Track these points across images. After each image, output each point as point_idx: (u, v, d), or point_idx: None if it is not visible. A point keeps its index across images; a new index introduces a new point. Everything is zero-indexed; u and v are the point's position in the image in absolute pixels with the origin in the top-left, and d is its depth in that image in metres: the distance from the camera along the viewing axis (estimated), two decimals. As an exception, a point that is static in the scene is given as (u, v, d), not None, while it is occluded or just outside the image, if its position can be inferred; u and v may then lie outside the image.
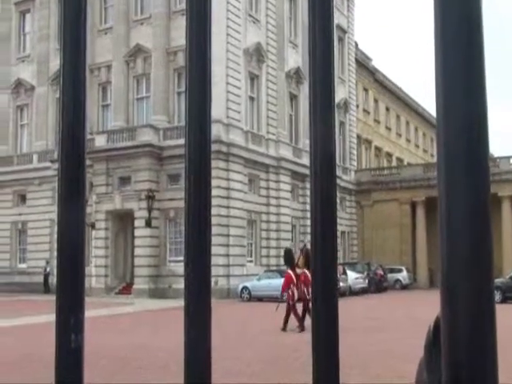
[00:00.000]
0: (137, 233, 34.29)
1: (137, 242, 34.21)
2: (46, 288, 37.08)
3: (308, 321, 16.07)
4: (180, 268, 30.64)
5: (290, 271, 17.58)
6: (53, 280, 35.84)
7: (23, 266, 41.33)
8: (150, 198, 33.57)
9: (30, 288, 38.13)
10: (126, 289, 34.60)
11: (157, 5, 36.49)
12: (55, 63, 38.86)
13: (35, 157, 41.47)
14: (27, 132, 42.98)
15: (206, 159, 0.81)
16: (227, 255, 33.48)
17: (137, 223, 34.36)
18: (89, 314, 21.22)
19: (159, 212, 34.38)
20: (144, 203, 33.81)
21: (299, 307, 17.17)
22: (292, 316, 16.88)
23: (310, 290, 15.21)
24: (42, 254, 39.41)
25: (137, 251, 34.13)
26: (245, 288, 31.89)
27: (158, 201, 34.01)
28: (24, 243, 41.70)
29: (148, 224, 33.74)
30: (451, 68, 0.61)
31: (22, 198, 41.97)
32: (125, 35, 37.82)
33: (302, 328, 16.55)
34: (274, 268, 35.21)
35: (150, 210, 33.61)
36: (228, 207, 33.92)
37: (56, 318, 0.84)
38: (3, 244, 42.20)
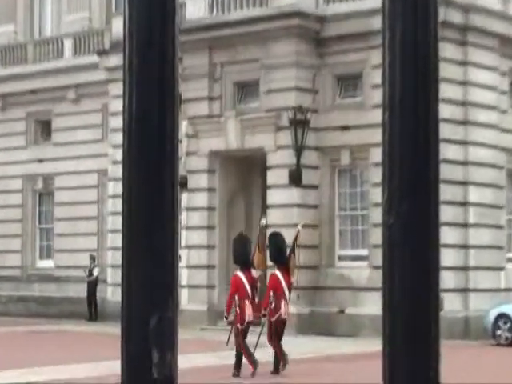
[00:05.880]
0: (271, 197, 30.68)
1: (272, 215, 31.51)
2: (90, 310, 34.41)
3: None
4: (363, 271, 29.15)
5: (238, 273, 19.22)
6: (107, 292, 33.44)
7: (46, 263, 38.57)
8: (300, 124, 29.75)
9: (57, 309, 35.72)
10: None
11: None
12: None
13: (67, 44, 38.34)
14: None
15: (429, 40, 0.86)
16: (464, 246, 29.28)
17: (271, 178, 30.76)
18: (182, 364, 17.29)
19: (318, 154, 30.93)
20: (286, 136, 29.89)
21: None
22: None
23: (283, 302, 20.15)
24: (84, 240, 36.73)
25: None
26: (503, 317, 28.27)
27: (315, 130, 30.23)
28: (48, 220, 38.71)
29: (295, 180, 29.93)
30: None
31: (45, 130, 39.15)
32: None
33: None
34: None
35: (299, 149, 29.62)
36: (466, 143, 29.56)
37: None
38: (10, 220, 38.68)
